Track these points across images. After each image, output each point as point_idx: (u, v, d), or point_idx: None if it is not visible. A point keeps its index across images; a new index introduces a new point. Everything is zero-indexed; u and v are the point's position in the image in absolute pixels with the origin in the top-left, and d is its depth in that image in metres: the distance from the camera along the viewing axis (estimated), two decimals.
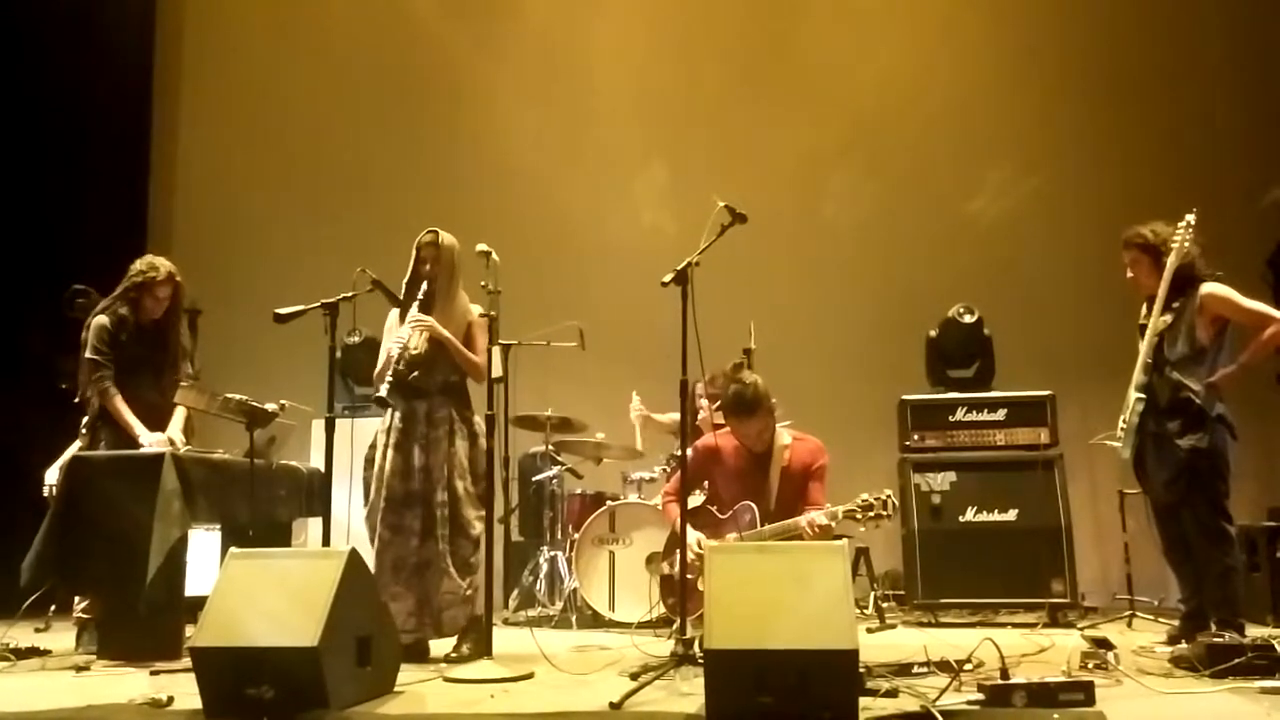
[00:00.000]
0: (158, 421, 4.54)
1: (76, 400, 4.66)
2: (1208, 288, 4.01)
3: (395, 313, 4.28)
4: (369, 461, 4.30)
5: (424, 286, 4.18)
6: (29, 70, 7.26)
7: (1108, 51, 7.12)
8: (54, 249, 6.84)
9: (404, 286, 4.23)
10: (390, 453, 4.16)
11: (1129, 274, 4.23)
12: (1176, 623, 4.27)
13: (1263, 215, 4.12)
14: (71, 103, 7.37)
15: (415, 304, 4.14)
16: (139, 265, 4.60)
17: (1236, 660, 3.22)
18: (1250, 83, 6.94)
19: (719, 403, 4.44)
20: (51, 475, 4.96)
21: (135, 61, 7.95)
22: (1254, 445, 5.31)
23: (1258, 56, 6.98)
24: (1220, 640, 3.40)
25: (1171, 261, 4.00)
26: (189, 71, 8.24)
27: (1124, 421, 4.18)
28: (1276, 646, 3.22)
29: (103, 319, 4.52)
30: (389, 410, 4.21)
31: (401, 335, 4.09)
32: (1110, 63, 7.11)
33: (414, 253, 4.24)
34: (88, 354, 4.49)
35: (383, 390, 4.01)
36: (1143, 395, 4.07)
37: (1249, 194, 6.44)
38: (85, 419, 4.60)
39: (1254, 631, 3.89)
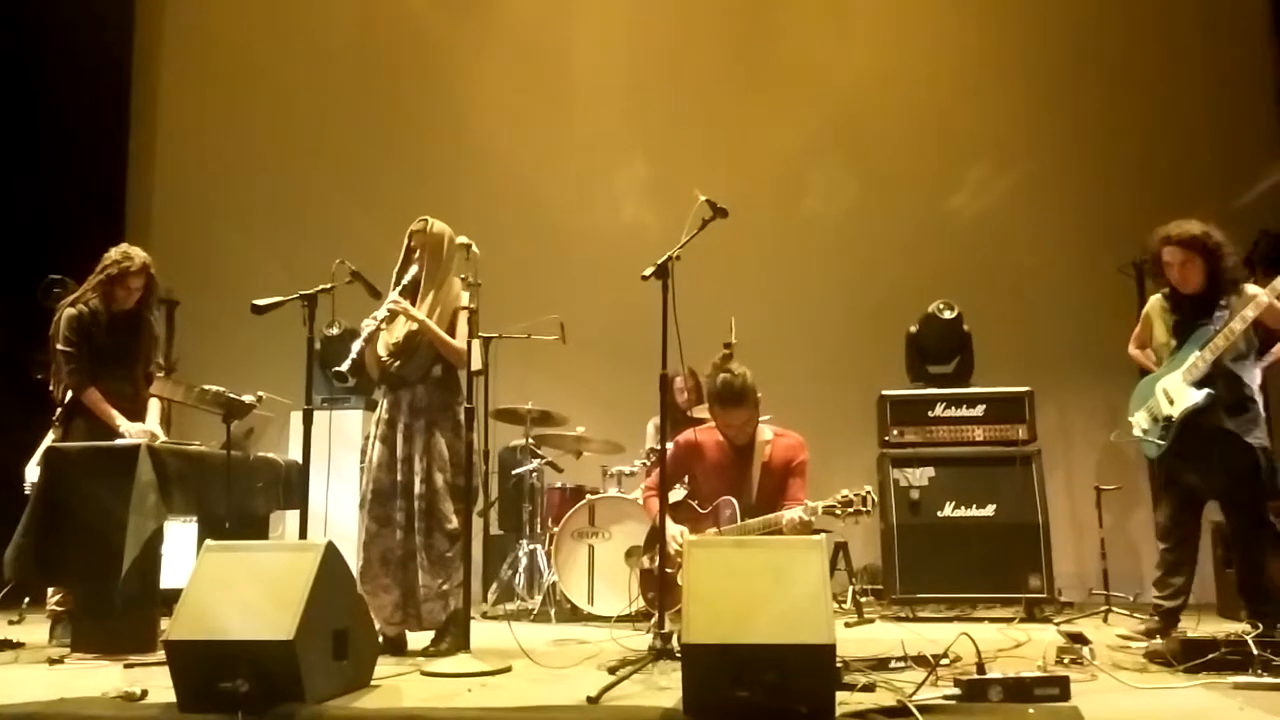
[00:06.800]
0: (130, 412, 4.49)
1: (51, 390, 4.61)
2: (1255, 290, 4.04)
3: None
4: (362, 453, 4.29)
5: (411, 272, 4.17)
6: (5, 57, 7.17)
7: (1088, 49, 7.17)
8: (30, 238, 6.76)
9: (395, 274, 4.23)
10: (377, 444, 4.14)
11: (1176, 273, 4.18)
12: (1155, 618, 4.26)
13: (1248, 207, 4.15)
14: (49, 90, 7.29)
15: (397, 288, 4.13)
16: (113, 254, 4.55)
17: (1210, 655, 3.25)
18: (1228, 81, 7.00)
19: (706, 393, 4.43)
20: (32, 471, 4.91)
21: (113, 49, 7.89)
22: None
23: (1237, 55, 7.04)
24: (1196, 635, 3.45)
25: None
26: (167, 59, 8.18)
27: (1160, 416, 4.18)
28: (1249, 642, 3.24)
29: (72, 310, 4.47)
30: (379, 401, 4.21)
31: (377, 315, 4.07)
32: (1090, 60, 7.15)
33: (405, 240, 4.24)
34: (59, 345, 4.44)
35: (343, 365, 3.97)
36: (1212, 391, 4.04)
37: (1226, 192, 6.49)
38: (57, 410, 4.56)
39: (1229, 627, 3.93)
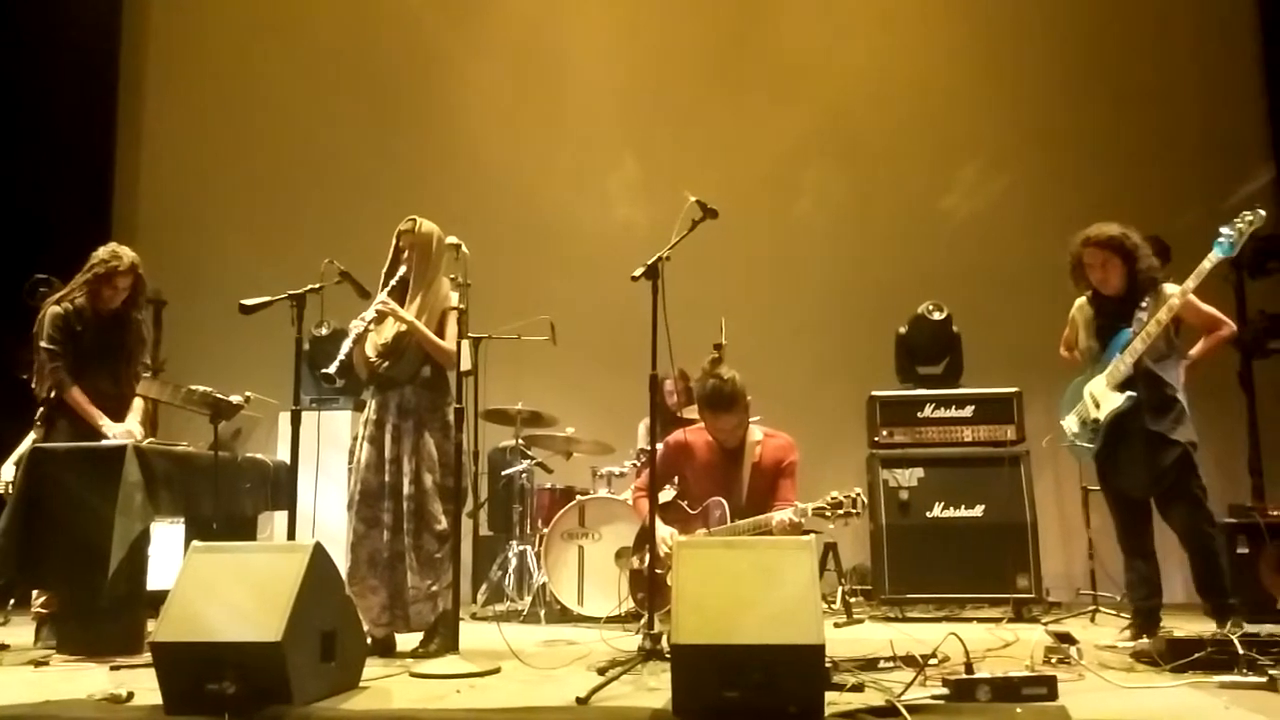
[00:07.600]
0: (114, 413, 4.47)
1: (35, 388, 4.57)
2: (1174, 289, 4.06)
3: None
4: (350, 454, 4.27)
5: (400, 273, 4.16)
6: None
7: (1079, 52, 7.19)
8: (17, 237, 6.71)
9: (383, 274, 4.21)
10: (365, 445, 4.13)
11: (1098, 275, 4.22)
12: (1136, 619, 4.27)
13: (1235, 210, 4.18)
14: (36, 90, 7.24)
15: (386, 289, 4.12)
16: (102, 253, 4.52)
17: (1196, 655, 3.26)
18: (1216, 85, 7.04)
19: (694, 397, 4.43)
20: (7, 471, 4.87)
21: (101, 48, 7.85)
22: (1215, 443, 5.39)
23: (1224, 59, 7.08)
24: (1183, 634, 3.46)
25: (1214, 257, 3.97)
26: (155, 58, 8.14)
27: (1088, 420, 4.21)
28: (1235, 641, 3.26)
29: (56, 308, 4.44)
30: (368, 402, 4.19)
31: (365, 315, 4.06)
32: (1081, 64, 7.18)
33: (394, 240, 4.23)
34: (42, 343, 4.41)
35: (331, 368, 3.96)
36: (1134, 394, 4.08)
37: (1215, 194, 6.52)
38: (40, 410, 4.52)
39: (1215, 627, 3.94)
